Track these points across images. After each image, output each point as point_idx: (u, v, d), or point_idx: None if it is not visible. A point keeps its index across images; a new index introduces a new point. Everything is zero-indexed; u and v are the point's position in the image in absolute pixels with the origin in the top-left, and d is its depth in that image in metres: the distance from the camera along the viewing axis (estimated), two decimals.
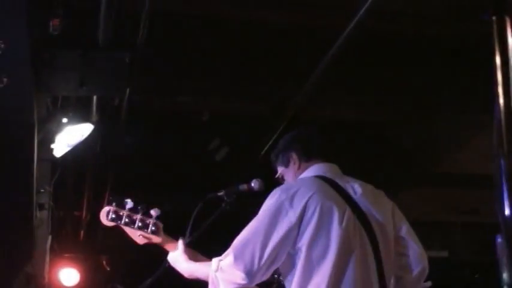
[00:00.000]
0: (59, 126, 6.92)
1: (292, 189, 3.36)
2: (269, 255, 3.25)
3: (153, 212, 3.68)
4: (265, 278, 3.33)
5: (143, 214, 3.67)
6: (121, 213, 3.65)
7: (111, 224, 3.67)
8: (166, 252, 3.71)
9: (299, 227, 3.27)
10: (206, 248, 3.73)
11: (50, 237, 8.02)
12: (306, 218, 3.27)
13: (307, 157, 3.68)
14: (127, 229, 3.69)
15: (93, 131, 7.11)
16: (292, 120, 7.65)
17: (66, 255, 11.07)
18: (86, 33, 5.86)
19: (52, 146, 7.05)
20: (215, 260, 3.36)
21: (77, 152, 7.39)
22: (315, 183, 3.44)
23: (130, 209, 3.67)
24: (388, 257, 3.45)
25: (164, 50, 6.98)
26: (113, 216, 3.66)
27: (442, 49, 7.14)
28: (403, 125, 9.19)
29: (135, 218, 3.67)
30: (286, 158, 3.72)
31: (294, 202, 3.30)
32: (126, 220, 3.65)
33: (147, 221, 3.66)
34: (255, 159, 8.74)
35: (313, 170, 3.62)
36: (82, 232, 11.36)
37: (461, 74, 7.51)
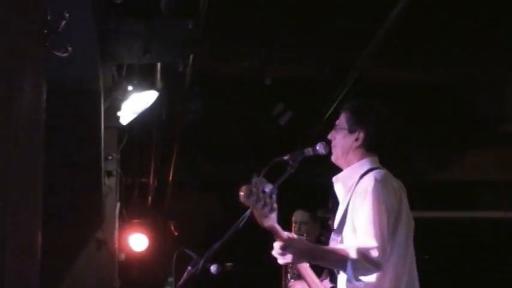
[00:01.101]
0: (125, 94, 6.98)
1: (385, 182, 3.53)
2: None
3: (274, 194, 3.45)
4: None
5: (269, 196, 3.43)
6: (259, 194, 3.37)
7: (251, 204, 3.38)
8: (233, 219, 3.64)
9: (396, 216, 3.53)
10: None
11: (118, 204, 8.14)
12: (397, 209, 3.53)
13: (370, 149, 3.74)
14: (260, 211, 3.42)
15: (158, 98, 7.16)
16: (356, 83, 7.59)
17: (135, 221, 11.26)
18: (149, 1, 5.89)
19: (118, 113, 7.12)
20: (352, 246, 3.45)
21: (143, 119, 7.46)
22: (392, 178, 3.62)
23: (263, 190, 3.40)
24: None
25: (226, 16, 6.98)
26: (256, 197, 3.37)
27: None
28: (469, 85, 9.06)
29: (268, 199, 3.41)
30: (354, 127, 3.73)
31: (392, 194, 3.53)
32: (266, 201, 3.39)
33: (274, 204, 3.46)
34: (319, 123, 8.72)
35: (369, 162, 3.72)
36: (150, 198, 11.53)
37: None
